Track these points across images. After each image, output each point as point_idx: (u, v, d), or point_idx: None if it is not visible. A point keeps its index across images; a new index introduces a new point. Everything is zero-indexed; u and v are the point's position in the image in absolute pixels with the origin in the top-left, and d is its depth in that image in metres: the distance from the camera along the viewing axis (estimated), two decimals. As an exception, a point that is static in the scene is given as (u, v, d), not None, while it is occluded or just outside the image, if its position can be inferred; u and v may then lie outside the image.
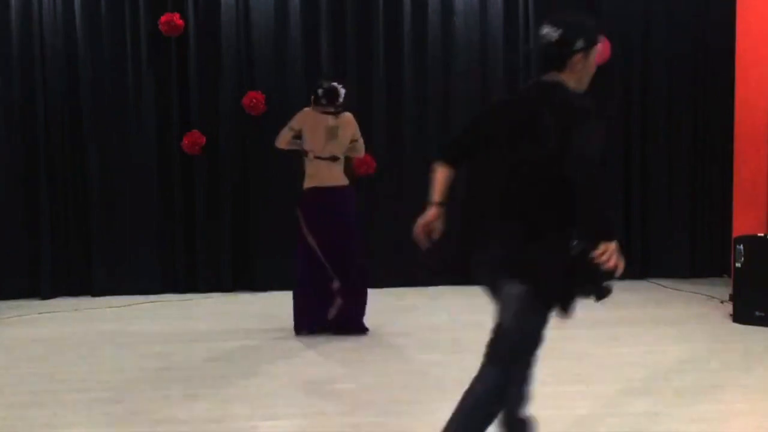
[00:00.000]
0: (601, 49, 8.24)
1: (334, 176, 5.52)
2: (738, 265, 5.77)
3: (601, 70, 8.04)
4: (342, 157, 5.60)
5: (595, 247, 2.48)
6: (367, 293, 5.68)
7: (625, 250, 8.16)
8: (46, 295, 7.21)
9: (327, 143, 5.49)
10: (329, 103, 5.53)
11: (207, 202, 7.41)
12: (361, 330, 5.63)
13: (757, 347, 5.16)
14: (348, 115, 5.62)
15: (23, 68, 7.19)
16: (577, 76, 2.78)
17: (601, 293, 2.58)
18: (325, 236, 5.51)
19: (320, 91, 5.55)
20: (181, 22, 7.14)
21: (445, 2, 7.52)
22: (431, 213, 2.91)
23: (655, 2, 7.72)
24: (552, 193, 2.58)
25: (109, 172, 7.34)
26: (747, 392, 4.20)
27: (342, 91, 5.57)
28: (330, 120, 5.53)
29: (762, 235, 5.88)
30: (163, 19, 7.09)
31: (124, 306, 6.85)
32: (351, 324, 5.62)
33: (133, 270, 7.35)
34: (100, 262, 7.32)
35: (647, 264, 7.81)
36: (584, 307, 6.90)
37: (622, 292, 7.36)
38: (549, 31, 2.71)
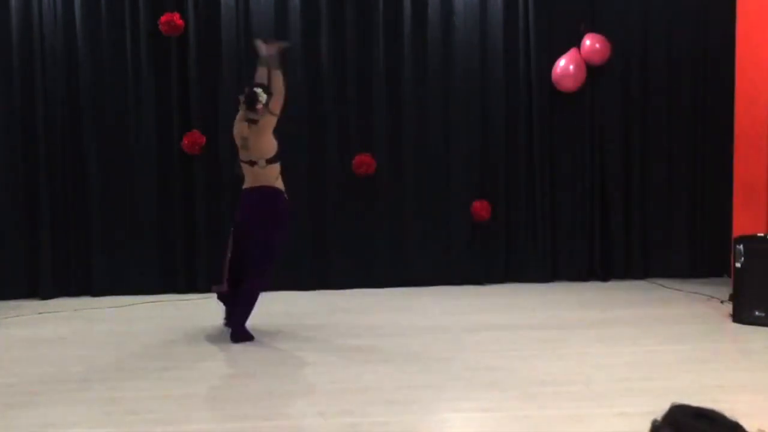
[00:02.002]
0: (601, 48, 8.26)
1: (256, 180, 5.48)
2: (738, 264, 5.76)
3: (602, 69, 8.10)
4: (261, 162, 5.44)
5: None
6: (249, 301, 5.54)
7: (625, 250, 8.19)
8: (46, 295, 7.20)
9: (242, 150, 5.51)
10: (249, 108, 5.45)
11: (207, 202, 7.41)
12: (237, 337, 5.47)
13: (757, 347, 5.16)
14: (263, 120, 5.44)
15: (23, 68, 7.18)
16: None
17: None
18: (239, 234, 5.53)
19: (241, 96, 5.52)
20: (181, 22, 7.14)
21: (445, 2, 7.52)
22: None
23: (655, 3, 7.72)
24: None
25: (109, 172, 7.33)
26: (747, 392, 4.20)
27: (262, 97, 5.42)
28: (245, 130, 5.48)
29: (762, 234, 5.88)
30: (163, 19, 7.09)
31: (124, 306, 6.84)
32: (233, 327, 5.56)
33: (133, 270, 7.34)
34: (100, 263, 7.32)
35: (647, 264, 7.81)
36: (584, 308, 6.93)
37: (622, 292, 7.44)
38: None
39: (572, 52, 7.46)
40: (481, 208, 7.52)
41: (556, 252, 7.76)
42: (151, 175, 7.36)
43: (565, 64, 7.43)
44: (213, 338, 5.64)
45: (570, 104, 7.65)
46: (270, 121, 5.45)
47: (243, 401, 4.17)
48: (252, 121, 5.45)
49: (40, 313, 6.62)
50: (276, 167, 5.54)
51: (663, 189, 7.81)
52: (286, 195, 5.59)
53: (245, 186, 5.58)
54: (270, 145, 5.49)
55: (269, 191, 5.50)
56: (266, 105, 5.41)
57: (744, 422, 1.51)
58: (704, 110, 7.75)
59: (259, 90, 5.45)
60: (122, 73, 7.29)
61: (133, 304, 6.89)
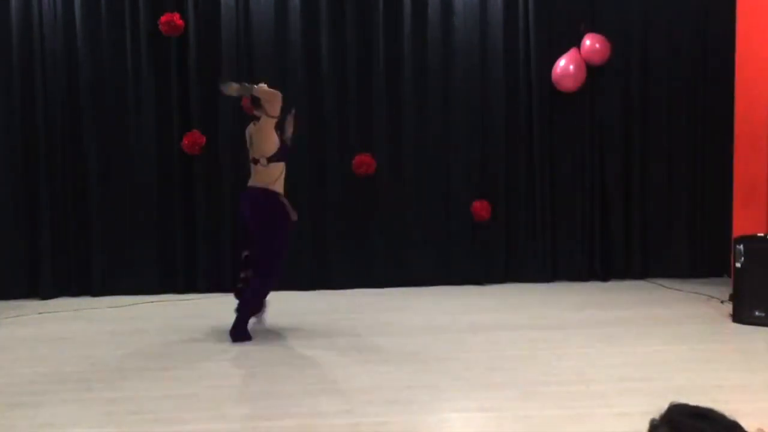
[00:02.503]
0: (601, 48, 8.27)
1: (255, 178, 5.59)
2: (738, 264, 5.76)
3: (602, 70, 8.10)
4: (263, 161, 5.50)
5: None
6: (250, 302, 5.60)
7: (625, 250, 8.18)
8: (46, 295, 7.20)
9: (249, 148, 5.65)
10: (254, 105, 5.54)
11: (207, 202, 7.41)
12: (236, 336, 5.48)
13: (757, 347, 5.16)
14: (261, 120, 5.50)
15: (23, 68, 7.18)
16: None
17: None
18: (247, 229, 5.70)
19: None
20: (181, 22, 7.14)
21: (445, 2, 7.52)
22: None
23: (655, 3, 7.71)
24: None
25: (109, 172, 7.33)
26: (747, 392, 4.20)
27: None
28: (251, 127, 5.65)
29: (762, 234, 5.88)
30: (163, 19, 7.09)
31: (124, 306, 6.84)
32: (232, 327, 5.56)
33: (133, 270, 7.34)
34: (100, 262, 7.32)
35: (647, 264, 7.81)
36: (584, 308, 6.93)
37: (622, 292, 7.44)
38: None
39: (572, 52, 7.46)
40: (481, 208, 7.52)
41: (556, 252, 7.76)
42: (151, 175, 7.37)
43: (565, 64, 7.43)
44: (213, 338, 5.63)
45: (570, 104, 7.65)
46: (269, 122, 5.48)
47: (243, 401, 4.17)
48: (256, 119, 5.54)
49: (40, 313, 6.62)
50: (278, 166, 5.56)
51: (663, 189, 7.81)
52: (282, 197, 5.57)
53: (248, 184, 5.64)
54: (271, 143, 5.51)
55: (264, 193, 5.52)
56: (257, 104, 5.49)
57: (744, 422, 1.51)
58: (704, 110, 7.75)
59: (263, 86, 5.55)
60: (122, 73, 7.30)
61: (133, 304, 6.89)
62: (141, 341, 5.57)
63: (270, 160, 5.51)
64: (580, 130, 7.71)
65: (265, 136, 5.49)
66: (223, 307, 6.81)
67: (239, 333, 5.49)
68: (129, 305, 6.87)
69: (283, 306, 6.63)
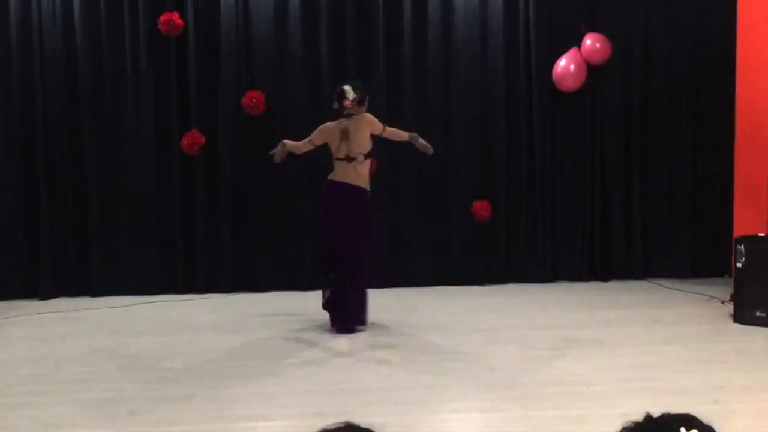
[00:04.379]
0: (602, 47, 8.26)
1: (350, 175, 5.69)
2: (739, 265, 5.76)
3: (602, 69, 8.08)
4: (360, 158, 5.67)
5: None
6: (360, 294, 5.73)
7: (625, 250, 8.16)
8: (45, 295, 7.19)
9: (341, 144, 5.70)
10: (340, 104, 5.71)
11: (206, 202, 7.40)
12: (349, 328, 5.68)
13: (757, 347, 5.16)
14: (363, 116, 5.74)
15: (22, 68, 7.17)
16: None
17: None
18: (332, 225, 5.74)
19: (333, 96, 5.79)
20: (180, 21, 7.13)
21: (445, 2, 7.51)
22: None
23: (656, 2, 7.71)
24: None
25: (108, 172, 7.32)
26: (747, 392, 4.20)
27: (350, 93, 5.69)
28: (343, 122, 5.72)
29: (763, 235, 5.87)
30: (162, 18, 7.08)
31: (124, 306, 6.84)
32: (341, 322, 5.70)
33: (133, 270, 7.33)
34: (99, 263, 7.31)
35: (647, 264, 7.80)
36: (584, 308, 6.92)
37: (622, 292, 7.43)
38: None
39: (573, 52, 7.45)
40: (481, 208, 7.51)
41: (556, 252, 7.75)
42: (151, 174, 7.36)
43: (565, 64, 7.42)
44: (212, 338, 5.63)
45: (570, 104, 7.64)
46: (373, 127, 5.70)
47: (243, 401, 4.17)
48: (349, 116, 5.69)
49: (39, 313, 6.61)
50: (368, 163, 5.78)
51: (663, 188, 7.80)
52: (370, 194, 5.81)
53: (337, 179, 5.74)
54: (369, 140, 5.72)
55: (364, 192, 5.73)
56: (360, 103, 5.70)
57: (745, 422, 1.50)
58: (705, 110, 7.74)
59: (347, 87, 5.73)
60: (122, 73, 7.29)
61: (132, 304, 6.88)
62: (140, 342, 5.57)
63: (366, 156, 5.71)
64: (581, 130, 7.71)
65: (365, 134, 5.68)
66: (222, 307, 6.83)
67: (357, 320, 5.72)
68: (129, 305, 6.86)
69: (283, 306, 6.64)
